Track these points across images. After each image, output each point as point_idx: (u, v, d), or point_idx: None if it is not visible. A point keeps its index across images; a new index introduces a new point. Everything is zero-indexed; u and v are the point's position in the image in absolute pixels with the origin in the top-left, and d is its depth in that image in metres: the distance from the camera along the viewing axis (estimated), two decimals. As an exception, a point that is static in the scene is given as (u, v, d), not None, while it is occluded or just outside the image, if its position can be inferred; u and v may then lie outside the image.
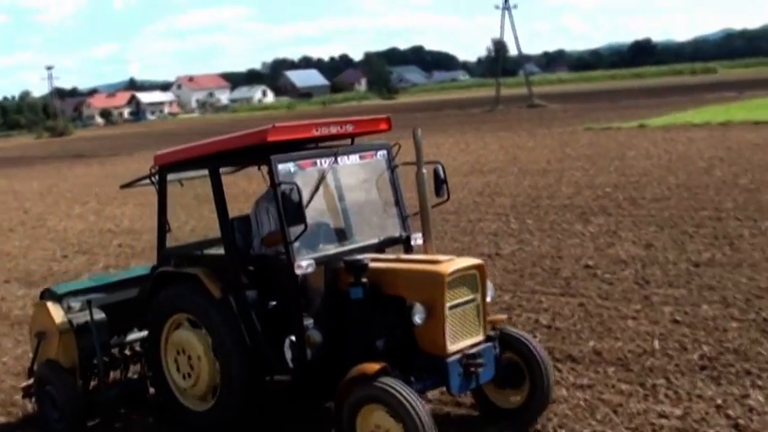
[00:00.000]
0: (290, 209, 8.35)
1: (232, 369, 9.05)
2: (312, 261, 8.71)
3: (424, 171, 9.05)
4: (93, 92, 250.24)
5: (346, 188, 10.14)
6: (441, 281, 8.29)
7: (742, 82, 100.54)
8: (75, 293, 10.61)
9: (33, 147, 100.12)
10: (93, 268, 20.13)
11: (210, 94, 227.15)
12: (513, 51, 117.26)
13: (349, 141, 9.94)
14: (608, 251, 17.07)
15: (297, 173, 8.83)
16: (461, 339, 8.54)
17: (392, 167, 9.91)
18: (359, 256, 8.70)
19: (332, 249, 9.30)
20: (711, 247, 16.63)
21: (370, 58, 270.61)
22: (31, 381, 10.57)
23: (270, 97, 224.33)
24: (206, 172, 9.53)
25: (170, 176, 10.09)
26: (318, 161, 9.14)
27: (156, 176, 10.11)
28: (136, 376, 10.85)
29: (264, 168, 9.16)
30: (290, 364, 8.75)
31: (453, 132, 52.56)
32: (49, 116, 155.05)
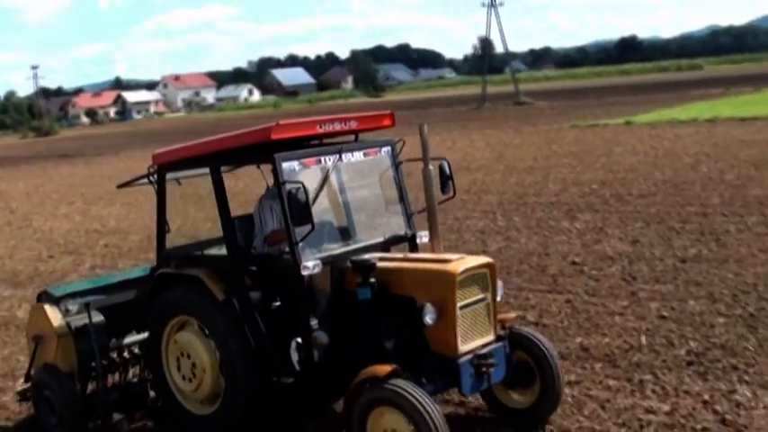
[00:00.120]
0: (297, 208, 8.14)
1: (236, 372, 8.87)
2: (318, 261, 8.54)
3: (431, 168, 8.91)
4: (78, 91, 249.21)
5: (350, 186, 10.02)
6: (451, 280, 8.14)
7: (728, 78, 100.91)
8: (72, 296, 10.42)
9: (19, 147, 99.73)
10: (79, 268, 20.06)
11: (197, 93, 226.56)
12: (499, 49, 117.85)
13: (353, 138, 9.78)
14: (595, 247, 17.11)
15: (301, 171, 8.67)
16: (472, 339, 8.39)
17: (396, 164, 9.73)
18: (366, 256, 8.55)
19: (337, 249, 9.15)
20: (698, 242, 16.67)
21: (356, 56, 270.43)
22: (28, 385, 10.40)
23: (256, 96, 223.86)
24: (204, 171, 9.40)
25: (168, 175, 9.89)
26: (323, 159, 8.94)
27: (155, 176, 9.90)
28: (135, 380, 10.60)
29: (264, 167, 9.08)
30: (297, 367, 8.58)
31: (440, 130, 52.46)
32: (35, 116, 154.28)
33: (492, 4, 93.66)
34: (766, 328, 11.43)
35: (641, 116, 49.75)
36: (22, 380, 11.02)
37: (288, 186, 8.26)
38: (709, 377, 9.99)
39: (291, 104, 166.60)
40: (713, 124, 41.60)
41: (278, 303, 9.03)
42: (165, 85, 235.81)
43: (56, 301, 10.28)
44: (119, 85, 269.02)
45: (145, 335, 10.19)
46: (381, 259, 8.67)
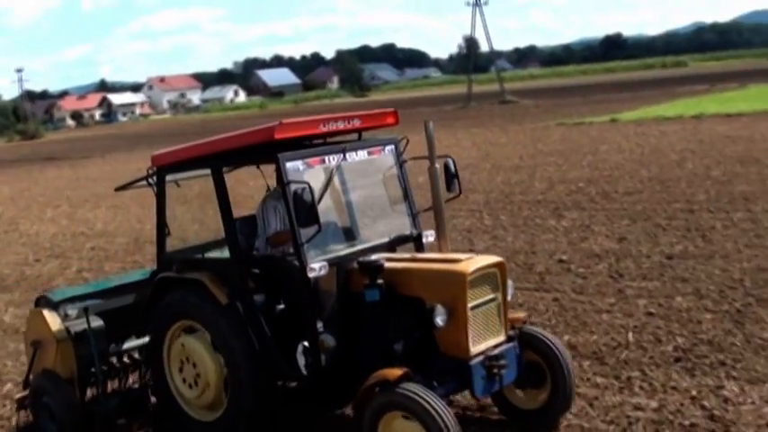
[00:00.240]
0: (303, 209, 7.95)
1: (242, 377, 8.67)
2: (325, 263, 8.37)
3: (437, 166, 8.77)
4: (63, 94, 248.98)
5: (353, 185, 9.86)
6: (462, 280, 7.97)
7: (713, 75, 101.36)
8: (71, 300, 10.19)
9: (4, 150, 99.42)
10: (65, 272, 19.98)
11: (182, 95, 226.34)
12: (484, 48, 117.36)
13: (356, 137, 9.59)
14: (581, 245, 17.13)
15: (305, 171, 8.51)
16: (484, 340, 8.22)
17: (400, 163, 9.58)
18: (373, 257, 8.34)
19: (342, 250, 8.96)
20: (684, 239, 16.71)
21: (341, 56, 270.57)
22: (26, 392, 10.17)
23: (242, 97, 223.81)
24: (203, 172, 9.20)
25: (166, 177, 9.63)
26: (326, 158, 8.75)
27: (154, 178, 9.64)
28: (136, 385, 10.41)
29: (264, 167, 8.98)
30: (304, 371, 8.34)
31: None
32: (20, 119, 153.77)
33: (476, 4, 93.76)
34: (753, 324, 11.47)
35: (627, 114, 49.93)
36: (9, 384, 10.96)
37: (293, 187, 8.09)
38: (697, 373, 10.00)
39: (278, 105, 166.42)
40: (699, 121, 41.74)
41: (282, 306, 8.82)
42: (151, 87, 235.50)
43: (54, 306, 10.06)
44: (104, 87, 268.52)
45: (145, 340, 10.03)
46: (389, 260, 8.48)
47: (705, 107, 48.58)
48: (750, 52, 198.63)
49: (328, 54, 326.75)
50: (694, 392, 9.43)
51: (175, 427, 9.57)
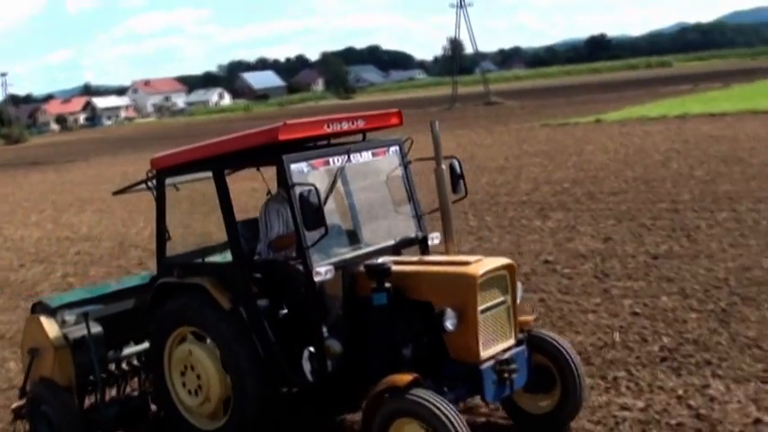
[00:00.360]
0: (309, 212, 7.76)
1: (246, 384, 8.47)
2: (331, 267, 8.18)
3: (444, 167, 8.69)
4: (48, 98, 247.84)
5: (357, 187, 9.64)
6: (472, 283, 7.79)
7: (697, 75, 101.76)
8: (69, 306, 9.91)
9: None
10: (50, 277, 19.90)
11: (167, 98, 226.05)
12: (469, 49, 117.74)
13: (360, 138, 9.43)
14: (567, 246, 17.15)
15: (309, 172, 8.34)
16: (494, 344, 8.05)
17: (405, 164, 9.42)
18: (380, 260, 8.23)
19: (348, 253, 8.76)
20: (669, 239, 16.75)
21: (326, 58, 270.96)
22: (23, 401, 9.88)
23: (227, 100, 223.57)
24: (204, 175, 9.03)
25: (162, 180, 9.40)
26: (331, 160, 8.58)
27: (154, 181, 9.43)
28: (136, 393, 10.21)
29: (264, 169, 8.87)
30: (310, 377, 8.18)
31: (411, 131, 52.46)
32: (4, 123, 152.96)
33: (461, 5, 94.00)
34: (738, 323, 11.50)
35: (611, 114, 50.03)
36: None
37: (299, 189, 7.91)
38: (683, 372, 10.02)
39: (263, 108, 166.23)
40: (683, 121, 41.87)
41: (285, 311, 8.66)
42: (135, 91, 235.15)
43: (52, 312, 9.78)
44: (88, 91, 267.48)
45: (144, 346, 9.88)
46: (396, 263, 8.33)
47: (689, 107, 48.73)
48: (733, 52, 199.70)
49: (313, 56, 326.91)
50: (680, 392, 9.44)
51: None
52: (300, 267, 8.27)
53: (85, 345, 9.43)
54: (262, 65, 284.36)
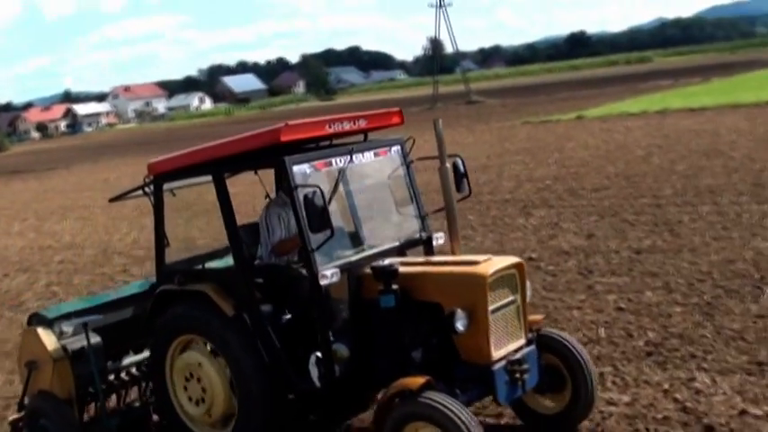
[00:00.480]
0: (314, 214, 7.58)
1: (251, 391, 8.29)
2: (337, 270, 8.01)
3: (448, 165, 8.60)
4: (28, 106, 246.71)
5: (359, 188, 9.45)
6: (482, 283, 7.65)
7: (677, 70, 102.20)
8: (67, 317, 9.69)
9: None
10: (34, 286, 19.79)
11: (147, 104, 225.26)
12: (449, 49, 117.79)
13: (361, 138, 9.30)
14: (550, 243, 17.19)
15: (312, 174, 8.17)
16: (505, 345, 7.91)
17: (407, 163, 9.34)
18: (387, 261, 8.05)
19: (353, 255, 8.56)
20: (652, 233, 16.81)
21: (306, 60, 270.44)
22: (21, 414, 9.68)
23: (208, 104, 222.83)
24: (202, 179, 8.93)
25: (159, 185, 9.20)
26: (333, 160, 8.43)
27: (151, 187, 9.22)
28: (137, 403, 10.00)
29: (261, 172, 8.77)
30: (317, 383, 7.99)
31: (394, 132, 52.48)
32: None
33: (440, 5, 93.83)
34: (722, 316, 11.55)
35: (592, 110, 50.13)
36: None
37: (304, 191, 7.76)
38: (669, 366, 10.06)
39: (244, 111, 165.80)
40: (663, 116, 42.01)
41: (289, 316, 8.50)
42: (116, 96, 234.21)
43: (49, 324, 9.55)
44: (68, 97, 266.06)
45: (143, 355, 9.72)
46: (403, 264, 8.17)
47: (669, 102, 48.91)
48: (713, 47, 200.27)
49: (293, 59, 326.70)
50: (666, 386, 9.48)
51: None
52: (304, 271, 8.16)
53: (85, 356, 9.21)
54: (242, 68, 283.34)
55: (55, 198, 39.27)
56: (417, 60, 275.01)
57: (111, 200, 10.74)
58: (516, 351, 8.00)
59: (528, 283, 8.31)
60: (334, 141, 9.06)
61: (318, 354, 8.02)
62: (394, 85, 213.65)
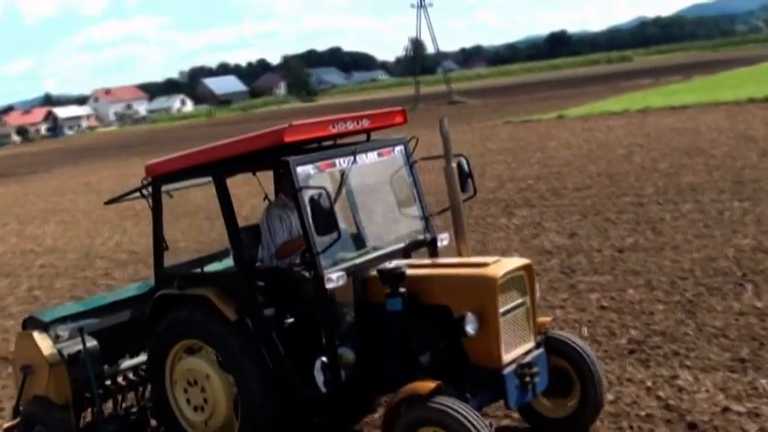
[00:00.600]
0: (321, 216, 7.44)
1: (255, 398, 8.15)
2: (343, 273, 7.85)
3: (453, 165, 8.49)
4: (8, 109, 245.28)
5: (362, 189, 9.30)
6: (492, 286, 7.50)
7: (657, 68, 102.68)
8: (62, 320, 9.50)
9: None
10: (16, 291, 19.69)
11: (128, 106, 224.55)
12: (430, 49, 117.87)
13: (364, 138, 9.16)
14: (533, 242, 17.22)
15: (316, 175, 8.07)
16: (515, 348, 7.77)
17: (410, 163, 9.22)
18: (393, 264, 7.90)
19: (357, 258, 8.38)
20: (634, 232, 16.86)
21: (288, 61, 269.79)
22: (16, 421, 9.51)
23: (189, 106, 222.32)
24: (201, 181, 8.83)
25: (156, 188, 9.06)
26: (337, 161, 8.28)
27: (149, 189, 9.06)
28: (134, 408, 9.79)
29: (261, 174, 8.68)
30: (323, 388, 7.82)
31: (375, 133, 52.48)
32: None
33: (421, 5, 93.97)
34: (705, 313, 11.59)
35: (573, 110, 50.22)
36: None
37: (309, 192, 7.62)
38: (651, 364, 10.09)
39: (226, 113, 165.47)
40: (645, 114, 42.14)
41: (292, 320, 8.35)
42: (96, 99, 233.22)
43: (44, 327, 9.39)
44: (49, 101, 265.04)
45: (140, 359, 9.58)
46: (410, 266, 8.01)
47: (650, 101, 49.06)
48: (693, 45, 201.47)
49: (274, 60, 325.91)
50: (649, 383, 9.51)
51: None
52: (307, 274, 8.07)
53: (81, 360, 9.06)
54: (223, 70, 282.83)
55: (36, 202, 39.08)
56: (399, 61, 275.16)
57: (107, 202, 10.59)
58: (526, 354, 7.89)
59: (536, 285, 8.23)
60: (342, 142, 8.96)
61: (324, 359, 7.87)
62: (375, 85, 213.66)
